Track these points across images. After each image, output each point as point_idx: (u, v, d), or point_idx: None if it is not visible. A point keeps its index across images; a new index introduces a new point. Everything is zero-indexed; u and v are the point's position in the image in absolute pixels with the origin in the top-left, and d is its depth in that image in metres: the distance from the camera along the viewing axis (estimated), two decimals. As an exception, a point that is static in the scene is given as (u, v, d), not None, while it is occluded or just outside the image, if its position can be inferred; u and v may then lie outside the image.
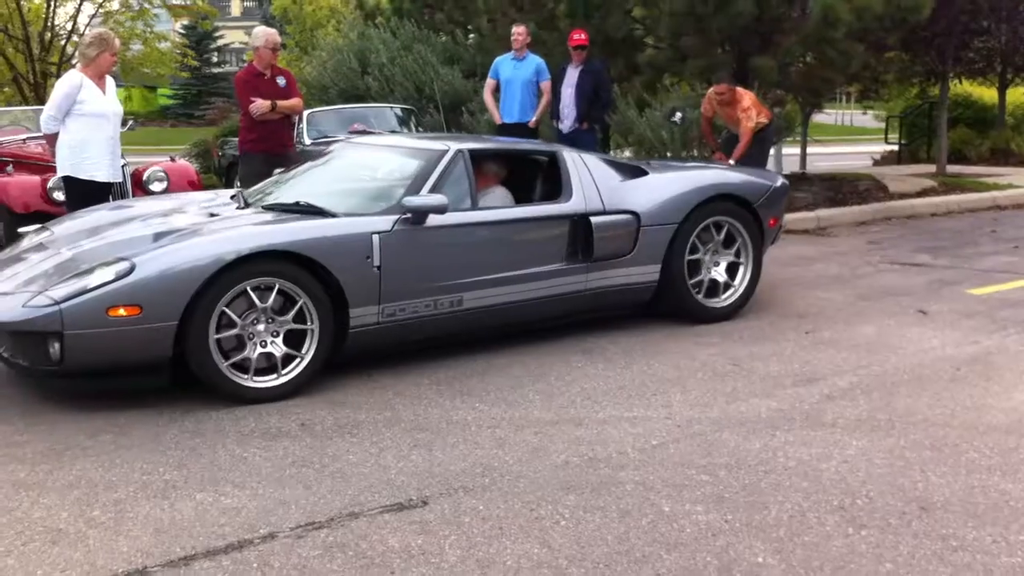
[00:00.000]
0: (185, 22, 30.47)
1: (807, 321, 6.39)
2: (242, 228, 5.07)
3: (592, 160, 6.36)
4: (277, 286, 4.87)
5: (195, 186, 8.94)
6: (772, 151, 11.83)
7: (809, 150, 17.22)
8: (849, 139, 32.62)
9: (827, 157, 20.43)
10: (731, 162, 8.47)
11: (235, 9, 59.62)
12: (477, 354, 5.63)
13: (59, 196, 7.63)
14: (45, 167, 8.21)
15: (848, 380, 5.14)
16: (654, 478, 3.89)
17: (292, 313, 4.94)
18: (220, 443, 4.32)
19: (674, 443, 4.27)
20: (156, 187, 8.60)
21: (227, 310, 4.77)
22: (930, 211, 11.74)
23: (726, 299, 6.53)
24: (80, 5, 19.05)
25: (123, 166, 7.59)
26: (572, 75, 9.68)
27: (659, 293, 6.30)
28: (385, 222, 5.26)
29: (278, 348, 4.94)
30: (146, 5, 19.93)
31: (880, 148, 21.42)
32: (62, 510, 3.65)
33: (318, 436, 4.40)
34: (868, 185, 12.78)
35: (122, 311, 4.55)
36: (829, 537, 3.39)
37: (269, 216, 5.44)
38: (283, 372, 4.95)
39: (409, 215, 5.32)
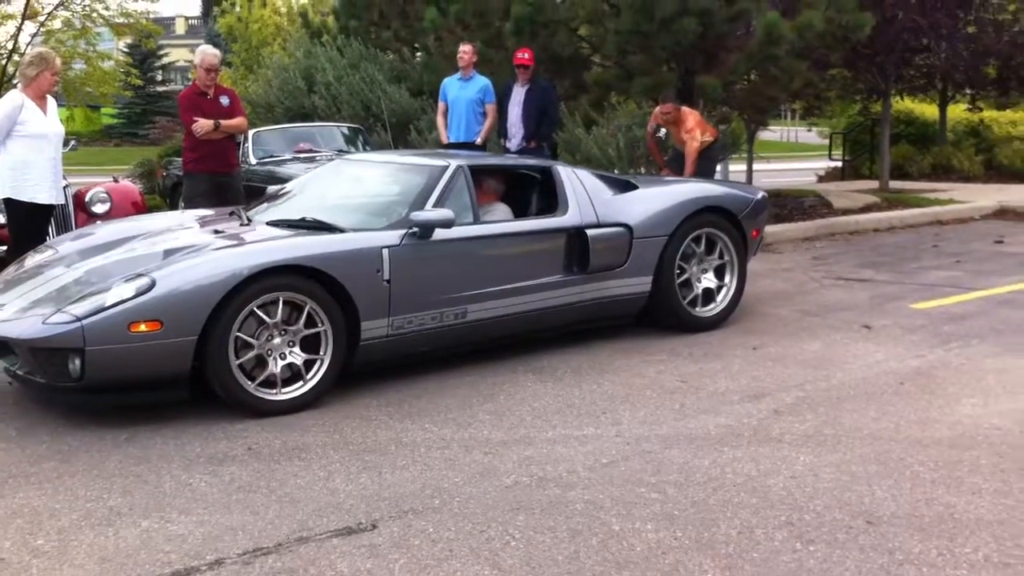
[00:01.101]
0: (129, 40, 30.11)
1: (754, 337, 6.45)
2: (255, 244, 5.16)
3: (585, 175, 6.52)
4: (292, 300, 4.95)
5: (138, 207, 8.79)
6: (719, 168, 11.95)
7: (755, 167, 17.41)
8: (794, 156, 33.10)
9: (772, 174, 20.67)
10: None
11: (180, 27, 59.11)
12: (427, 374, 5.60)
13: (-1, 219, 7.48)
14: (-15, 189, 8.02)
15: (795, 395, 5.20)
16: (604, 497, 3.90)
17: (303, 323, 5.02)
18: (165, 469, 4.25)
19: (624, 461, 4.28)
20: (99, 208, 8.45)
21: (245, 324, 4.82)
22: (873, 227, 11.93)
23: (714, 308, 6.72)
24: (21, 24, 18.72)
25: (65, 187, 7.47)
26: (519, 93, 9.70)
27: (650, 303, 6.46)
28: (393, 236, 5.36)
29: (295, 360, 5.01)
30: (88, 24, 19.64)
31: (824, 164, 21.79)
32: (4, 539, 3.57)
33: (265, 460, 4.34)
34: (813, 201, 12.96)
35: (143, 327, 4.60)
36: (778, 552, 3.42)
37: (278, 232, 5.50)
38: (300, 384, 5.03)
39: (416, 229, 5.41)
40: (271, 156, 10.93)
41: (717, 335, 6.52)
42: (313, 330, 5.05)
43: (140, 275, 4.80)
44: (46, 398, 5.01)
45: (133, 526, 3.67)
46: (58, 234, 7.47)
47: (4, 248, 7.09)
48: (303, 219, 5.67)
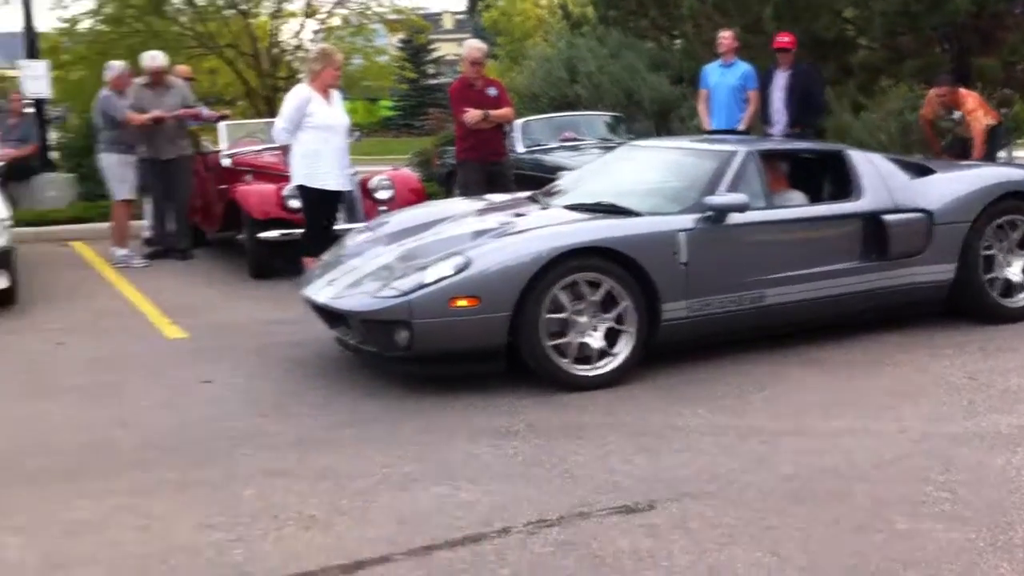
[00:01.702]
0: (401, 36, 31.51)
1: (1051, 332, 6.04)
2: (559, 226, 5.45)
3: (879, 159, 6.44)
4: (601, 282, 5.17)
5: (417, 194, 9.23)
6: (1003, 153, 11.23)
7: (1041, 153, 16.20)
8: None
9: (1060, 160, 19.15)
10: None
11: (447, 23, 61.36)
12: (696, 362, 5.59)
13: (294, 204, 8.07)
14: (280, 176, 8.69)
15: (1099, 397, 4.84)
16: (888, 493, 3.79)
17: (614, 310, 5.22)
18: (453, 441, 4.49)
19: (908, 458, 4.15)
20: (382, 195, 8.95)
21: (558, 296, 5.08)
22: None
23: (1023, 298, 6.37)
24: (303, 22, 19.99)
25: (352, 175, 7.97)
26: (780, 78, 9.48)
27: (953, 292, 6.24)
28: (688, 220, 5.49)
29: (598, 339, 5.22)
30: (364, 21, 20.71)
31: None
32: (312, 497, 3.89)
33: (544, 437, 4.51)
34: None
35: (462, 302, 4.97)
36: (1084, 561, 3.22)
37: (578, 215, 5.76)
38: (603, 362, 5.21)
39: (711, 213, 5.51)
40: (538, 144, 11.20)
41: (1011, 329, 6.13)
42: (619, 327, 5.21)
43: (455, 254, 5.14)
44: (379, 365, 5.47)
45: (426, 492, 3.91)
46: (348, 219, 8.00)
47: (301, 231, 7.65)
48: (599, 203, 5.85)
